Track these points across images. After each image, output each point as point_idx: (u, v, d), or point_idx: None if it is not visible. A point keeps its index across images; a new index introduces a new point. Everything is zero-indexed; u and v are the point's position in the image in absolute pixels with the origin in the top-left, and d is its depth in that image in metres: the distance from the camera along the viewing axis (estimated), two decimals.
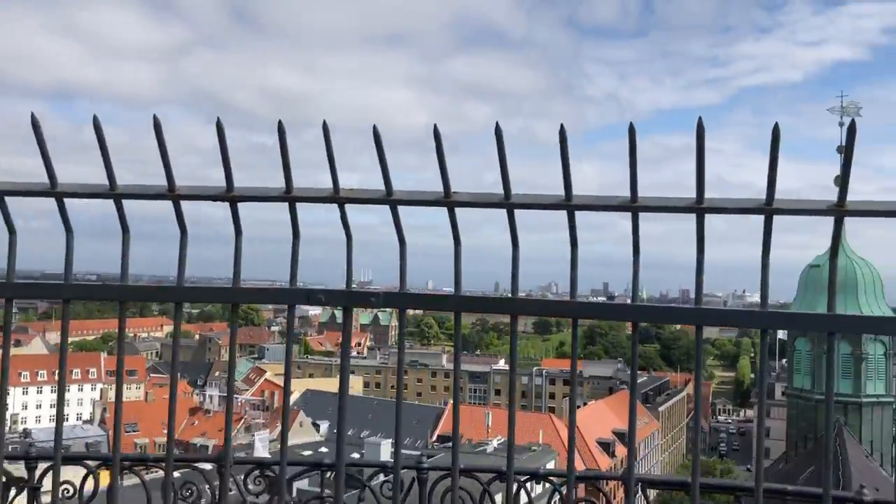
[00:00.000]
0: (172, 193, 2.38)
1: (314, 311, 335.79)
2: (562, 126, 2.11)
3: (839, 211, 2.07)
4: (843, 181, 2.05)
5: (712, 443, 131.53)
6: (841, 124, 29.65)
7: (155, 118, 2.19)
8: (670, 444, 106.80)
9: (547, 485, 6.05)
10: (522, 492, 5.22)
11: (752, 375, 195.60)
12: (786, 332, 30.86)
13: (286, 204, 2.41)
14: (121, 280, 2.56)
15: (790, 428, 28.96)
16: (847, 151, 1.97)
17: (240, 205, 2.42)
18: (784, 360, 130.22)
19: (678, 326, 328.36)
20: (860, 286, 28.26)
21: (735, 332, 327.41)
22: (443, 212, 2.38)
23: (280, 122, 2.23)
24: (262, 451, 66.42)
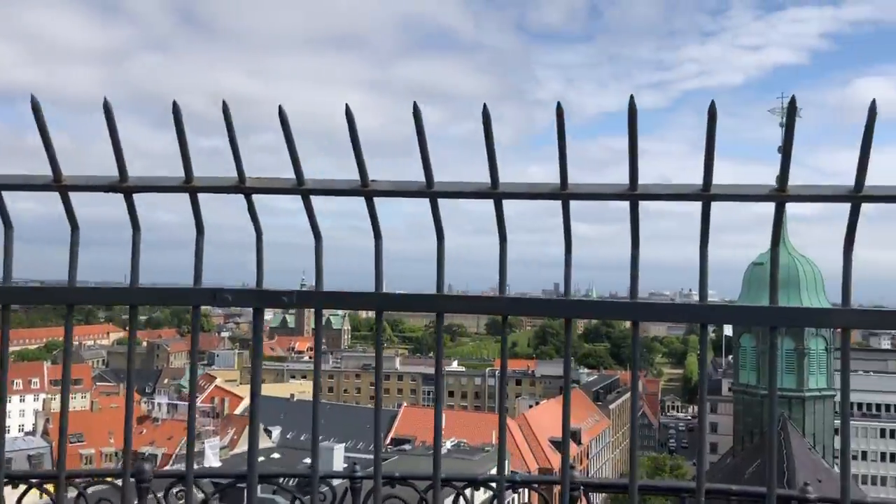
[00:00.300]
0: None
1: (265, 315, 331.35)
2: (485, 106, 1.92)
3: (780, 196, 1.99)
4: (784, 161, 2.01)
5: (662, 439, 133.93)
6: (781, 125, 30.39)
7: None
8: (621, 442, 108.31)
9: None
10: (462, 499, 5.17)
11: (700, 373, 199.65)
12: (732, 328, 31.58)
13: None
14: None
15: (737, 423, 29.63)
16: (787, 132, 1.93)
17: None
18: (730, 357, 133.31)
19: (627, 325, 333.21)
20: (802, 283, 29.04)
21: (683, 330, 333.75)
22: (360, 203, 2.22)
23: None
24: (212, 459, 65.36)
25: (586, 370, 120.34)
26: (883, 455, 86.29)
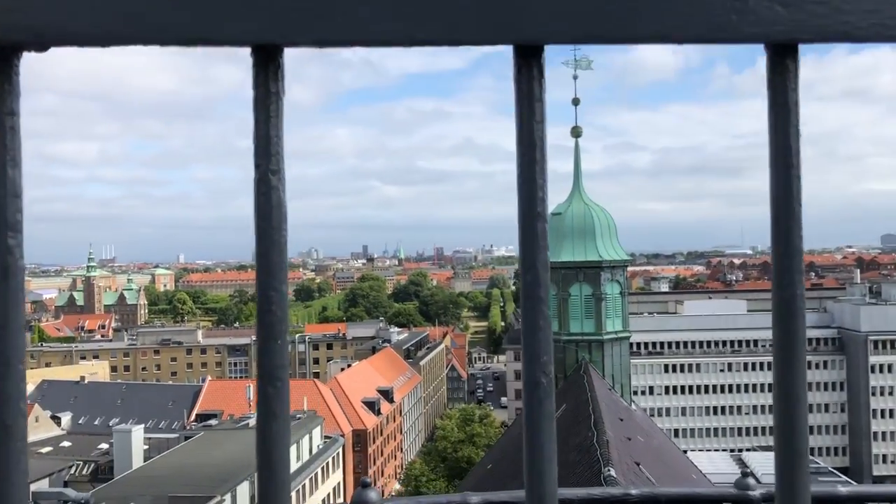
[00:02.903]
0: None
1: (49, 293, 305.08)
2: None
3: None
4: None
5: (471, 388, 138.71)
6: (575, 77, 30.95)
7: None
8: (433, 395, 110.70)
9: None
10: None
11: (503, 324, 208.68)
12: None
13: None
14: None
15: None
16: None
17: None
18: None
19: (434, 283, 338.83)
20: (597, 230, 29.95)
21: (486, 285, 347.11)
22: None
23: None
24: None
25: (397, 329, 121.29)
26: (667, 388, 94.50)
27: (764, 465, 49.39)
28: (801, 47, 0.60)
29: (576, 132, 31.45)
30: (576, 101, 31.20)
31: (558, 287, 29.68)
